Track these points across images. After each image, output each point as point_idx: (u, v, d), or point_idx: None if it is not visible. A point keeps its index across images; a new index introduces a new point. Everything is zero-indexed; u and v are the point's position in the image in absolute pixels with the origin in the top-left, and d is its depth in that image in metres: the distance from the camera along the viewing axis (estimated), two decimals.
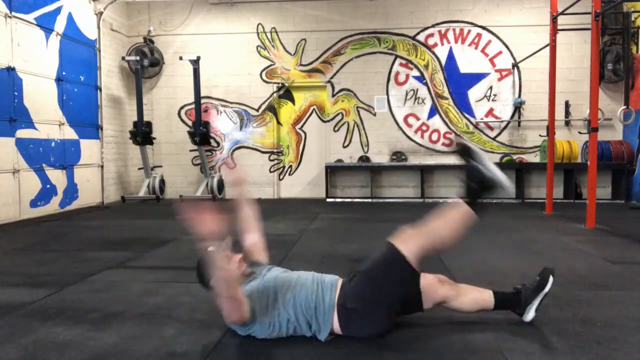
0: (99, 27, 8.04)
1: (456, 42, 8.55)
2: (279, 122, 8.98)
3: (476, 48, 8.52)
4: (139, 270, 3.68)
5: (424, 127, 8.68)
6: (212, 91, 8.90)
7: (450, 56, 8.56)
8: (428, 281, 2.32)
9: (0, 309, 2.76)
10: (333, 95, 8.77)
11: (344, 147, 8.81)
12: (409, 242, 2.14)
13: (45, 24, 6.82)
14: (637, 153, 7.81)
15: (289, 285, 2.25)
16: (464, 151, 2.28)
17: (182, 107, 9.01)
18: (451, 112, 8.59)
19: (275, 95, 8.88)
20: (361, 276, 2.23)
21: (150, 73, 8.90)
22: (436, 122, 8.64)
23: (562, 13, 6.35)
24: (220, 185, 8.72)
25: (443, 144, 8.66)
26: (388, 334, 2.24)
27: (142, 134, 8.16)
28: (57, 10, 7.09)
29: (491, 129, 8.59)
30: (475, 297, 2.36)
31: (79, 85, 7.60)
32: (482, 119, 8.56)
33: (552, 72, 6.59)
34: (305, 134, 9.02)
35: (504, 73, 8.51)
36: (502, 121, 8.54)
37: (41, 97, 6.74)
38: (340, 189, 8.84)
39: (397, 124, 8.71)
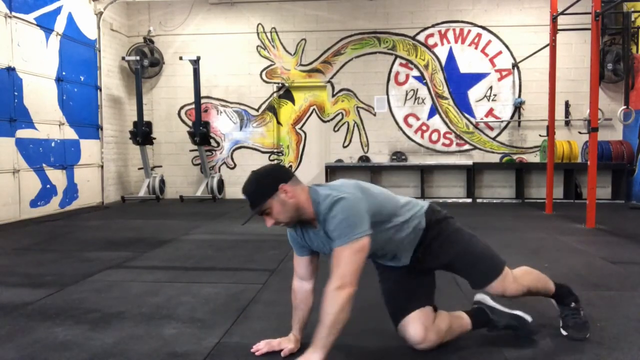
0: (99, 27, 8.04)
1: (456, 42, 8.55)
2: (279, 122, 8.97)
3: (476, 48, 8.52)
4: (139, 270, 3.68)
5: (424, 127, 8.67)
6: (212, 91, 8.90)
7: (450, 56, 8.56)
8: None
9: (0, 309, 2.76)
10: (333, 95, 8.76)
11: (344, 147, 8.81)
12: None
13: (45, 24, 6.82)
14: (637, 153, 7.81)
15: None
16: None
17: (182, 107, 9.01)
18: (451, 112, 8.59)
19: (275, 95, 8.88)
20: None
21: (150, 73, 8.89)
22: (436, 122, 8.64)
23: (562, 13, 6.35)
24: (220, 185, 8.72)
25: (443, 144, 8.66)
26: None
27: (142, 134, 8.16)
28: (57, 10, 7.08)
29: (491, 129, 8.59)
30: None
31: (79, 85, 7.60)
32: (482, 119, 8.55)
33: (552, 72, 6.59)
34: (305, 134, 9.02)
35: (504, 73, 8.51)
36: (502, 121, 8.54)
37: (41, 97, 6.74)
38: None
39: (397, 124, 8.71)
